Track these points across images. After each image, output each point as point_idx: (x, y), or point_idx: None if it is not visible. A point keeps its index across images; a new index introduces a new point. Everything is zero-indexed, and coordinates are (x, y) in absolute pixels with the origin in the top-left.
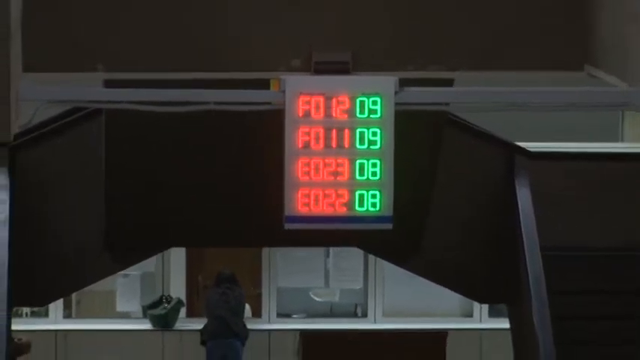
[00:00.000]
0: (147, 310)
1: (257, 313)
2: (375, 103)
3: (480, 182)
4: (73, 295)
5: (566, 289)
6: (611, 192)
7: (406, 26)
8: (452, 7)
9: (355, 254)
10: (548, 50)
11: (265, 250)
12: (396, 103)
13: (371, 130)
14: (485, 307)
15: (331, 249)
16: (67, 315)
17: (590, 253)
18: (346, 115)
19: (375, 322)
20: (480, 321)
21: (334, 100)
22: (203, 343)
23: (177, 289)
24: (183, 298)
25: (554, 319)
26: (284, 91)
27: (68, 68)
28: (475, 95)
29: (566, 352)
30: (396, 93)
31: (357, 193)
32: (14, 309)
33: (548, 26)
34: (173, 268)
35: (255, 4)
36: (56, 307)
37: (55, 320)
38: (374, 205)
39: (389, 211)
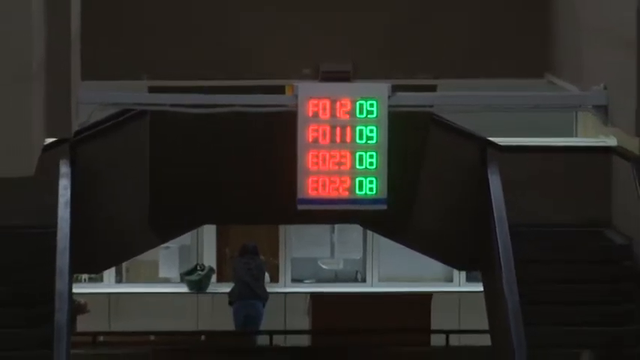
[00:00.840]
0: (184, 277)
1: (275, 279)
2: (371, 105)
3: (459, 170)
4: (124, 264)
5: (529, 259)
6: (566, 178)
7: (397, 42)
8: (435, 27)
9: (356, 230)
10: (515, 61)
11: (282, 227)
12: (390, 106)
13: (368, 127)
14: (464, 273)
15: (336, 226)
16: (119, 280)
17: (550, 228)
18: (348, 116)
19: (372, 286)
20: (459, 285)
21: (338, 103)
22: (230, 303)
23: (209, 258)
24: (214, 266)
25: (519, 283)
26: (297, 96)
27: (119, 77)
28: (455, 99)
29: (529, 311)
30: (389, 97)
31: (357, 179)
32: (75, 275)
33: (515, 42)
34: (205, 241)
35: (273, 24)
36: (109, 273)
37: (108, 285)
38: (371, 189)
39: (383, 195)
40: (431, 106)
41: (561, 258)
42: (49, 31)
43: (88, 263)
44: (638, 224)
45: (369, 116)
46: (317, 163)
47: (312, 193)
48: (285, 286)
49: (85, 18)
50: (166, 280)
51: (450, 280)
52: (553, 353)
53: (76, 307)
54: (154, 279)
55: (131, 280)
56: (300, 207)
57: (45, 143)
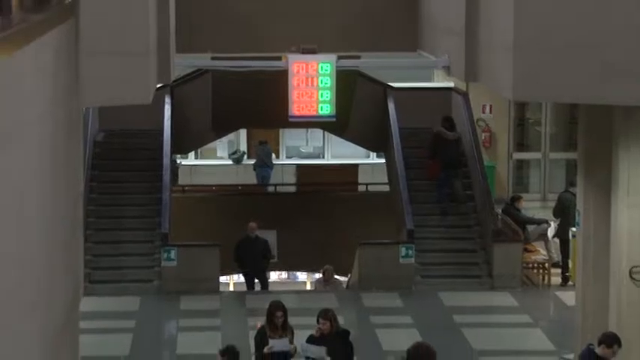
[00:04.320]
0: (230, 156)
1: (277, 156)
2: (327, 66)
3: (372, 100)
4: (199, 149)
5: (409, 146)
6: (427, 103)
7: (341, 34)
8: (361, 25)
9: (319, 131)
10: (402, 42)
11: (281, 130)
12: (337, 67)
13: (325, 78)
14: (375, 154)
15: (309, 129)
16: (196, 157)
17: (418, 130)
18: (315, 72)
19: (328, 160)
20: (373, 160)
21: (309, 65)
22: (254, 169)
23: (243, 146)
24: (246, 150)
25: (404, 158)
26: (288, 62)
27: (195, 51)
28: (370, 63)
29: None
30: (336, 62)
31: (320, 105)
32: (173, 155)
33: (402, 32)
34: (241, 137)
35: (276, 24)
36: (191, 154)
37: (191, 160)
38: (327, 110)
39: (333, 113)
40: (357, 67)
41: (422, 145)
42: (157, 24)
43: (180, 148)
44: (463, 127)
45: (325, 72)
46: (299, 97)
47: (296, 113)
48: (282, 160)
49: (177, 16)
50: (221, 158)
51: (368, 157)
52: (423, 196)
53: (176, 169)
54: (214, 157)
55: (203, 158)
56: (290, 120)
57: (157, 86)
